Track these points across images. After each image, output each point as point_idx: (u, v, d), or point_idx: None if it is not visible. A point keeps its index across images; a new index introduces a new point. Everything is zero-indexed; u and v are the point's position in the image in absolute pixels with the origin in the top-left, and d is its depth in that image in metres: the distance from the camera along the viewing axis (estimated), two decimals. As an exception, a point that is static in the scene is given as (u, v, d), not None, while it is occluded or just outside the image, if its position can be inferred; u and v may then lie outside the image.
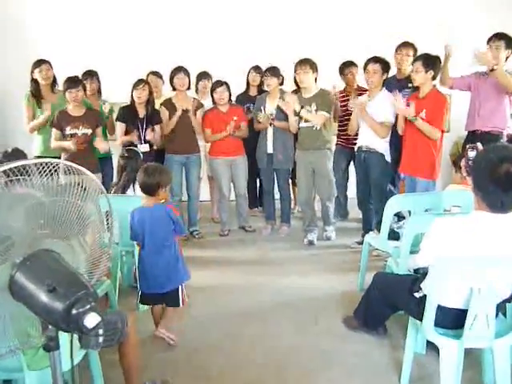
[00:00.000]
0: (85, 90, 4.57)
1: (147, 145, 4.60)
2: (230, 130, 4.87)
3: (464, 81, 4.43)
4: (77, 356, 2.08)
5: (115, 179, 3.98)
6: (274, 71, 4.87)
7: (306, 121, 4.64)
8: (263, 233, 5.29)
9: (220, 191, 5.25)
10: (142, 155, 4.08)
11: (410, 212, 3.60)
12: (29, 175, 1.38)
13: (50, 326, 1.23)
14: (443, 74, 4.32)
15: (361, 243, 4.31)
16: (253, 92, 5.39)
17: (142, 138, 4.61)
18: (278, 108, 4.82)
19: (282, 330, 3.21)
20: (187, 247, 4.72)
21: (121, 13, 6.15)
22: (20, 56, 5.42)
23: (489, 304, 2.17)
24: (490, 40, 4.24)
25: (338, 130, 5.23)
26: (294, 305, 3.58)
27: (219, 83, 4.93)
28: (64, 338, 1.30)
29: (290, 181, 5.28)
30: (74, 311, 1.13)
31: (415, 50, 4.58)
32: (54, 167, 1.42)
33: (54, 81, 4.75)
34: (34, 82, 4.66)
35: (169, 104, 4.88)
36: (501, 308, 2.34)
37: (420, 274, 2.61)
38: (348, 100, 4.71)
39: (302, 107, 4.56)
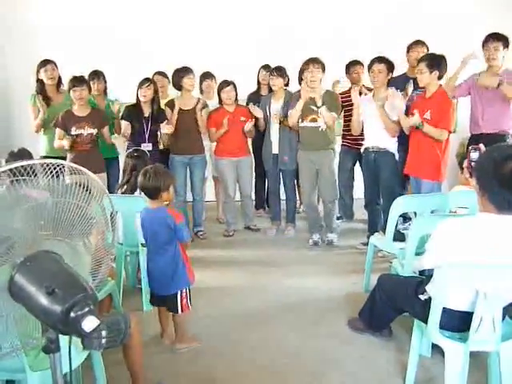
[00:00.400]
0: (90, 89, 4.57)
1: (150, 144, 4.60)
2: (246, 128, 4.87)
3: (462, 89, 4.42)
4: (78, 357, 2.08)
5: (121, 179, 3.97)
6: (279, 71, 4.86)
7: (312, 120, 4.62)
8: (268, 233, 5.28)
9: (225, 192, 5.24)
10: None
11: (415, 213, 3.59)
12: (35, 175, 1.38)
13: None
14: (449, 84, 4.31)
15: (366, 244, 4.29)
16: (264, 91, 5.37)
17: (147, 136, 4.62)
18: (285, 107, 4.80)
19: (285, 332, 3.19)
20: (192, 247, 4.71)
21: (126, 12, 6.15)
22: (26, 56, 5.44)
23: (495, 307, 2.15)
24: (486, 41, 4.21)
25: (344, 131, 5.21)
26: (298, 306, 3.56)
27: (226, 83, 4.93)
28: (66, 338, 1.29)
29: (296, 181, 5.26)
30: (72, 314, 1.12)
31: (428, 49, 4.55)
32: (59, 167, 1.42)
33: (60, 81, 4.77)
34: (40, 82, 4.67)
35: (173, 105, 4.87)
36: (508, 311, 2.31)
37: (425, 276, 2.59)
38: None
39: (323, 104, 4.52)
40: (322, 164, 4.71)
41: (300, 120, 4.66)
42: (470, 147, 2.88)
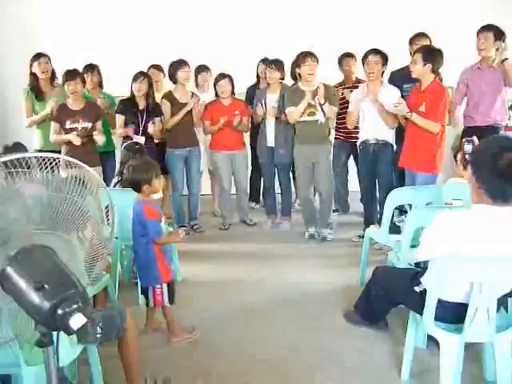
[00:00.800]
0: (84, 82, 4.54)
1: (143, 137, 4.58)
2: (222, 123, 4.86)
3: (461, 91, 4.44)
4: (74, 351, 2.07)
5: (118, 170, 3.96)
6: (277, 65, 4.84)
7: (311, 114, 4.60)
8: (264, 227, 5.28)
9: (220, 185, 5.24)
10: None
11: (410, 206, 3.60)
12: (29, 168, 1.37)
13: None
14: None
15: (362, 237, 4.30)
16: (263, 84, 5.32)
17: (141, 130, 4.60)
18: (281, 101, 4.79)
19: (282, 325, 3.20)
20: (187, 241, 4.72)
21: (121, 5, 6.13)
22: (20, 50, 5.40)
23: (490, 298, 2.16)
24: (478, 32, 4.21)
25: (337, 124, 5.20)
26: (294, 299, 3.57)
27: (222, 76, 4.92)
28: (60, 333, 1.28)
29: (291, 175, 5.26)
30: (59, 311, 1.11)
31: (431, 41, 4.51)
32: (54, 161, 1.41)
33: (54, 75, 4.73)
34: (33, 75, 4.64)
35: (171, 96, 4.86)
36: (502, 302, 2.33)
37: (421, 268, 2.60)
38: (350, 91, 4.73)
39: (325, 101, 4.51)
40: (319, 157, 4.70)
41: None
42: (463, 139, 2.89)
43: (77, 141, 4.23)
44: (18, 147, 3.20)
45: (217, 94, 5.00)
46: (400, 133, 4.36)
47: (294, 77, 4.79)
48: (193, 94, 4.96)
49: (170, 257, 2.97)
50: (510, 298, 2.40)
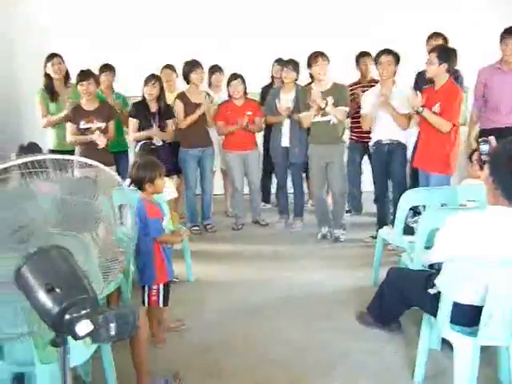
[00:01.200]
0: (98, 83, 4.57)
1: (160, 139, 4.60)
2: (242, 123, 4.86)
3: (479, 91, 4.38)
4: (88, 350, 2.09)
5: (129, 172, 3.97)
6: (294, 65, 4.85)
7: (323, 115, 4.60)
8: (276, 227, 5.27)
9: (233, 185, 5.24)
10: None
11: (424, 207, 3.57)
12: (44, 169, 1.38)
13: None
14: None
15: (375, 238, 4.28)
16: (277, 85, 5.34)
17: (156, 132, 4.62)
18: (296, 101, 4.79)
19: (294, 326, 3.19)
20: (200, 241, 4.75)
21: (134, 5, 6.15)
22: (33, 50, 5.45)
23: (505, 301, 2.13)
24: (504, 37, 4.15)
25: (351, 125, 5.18)
26: (307, 300, 3.56)
27: (234, 76, 4.93)
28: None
29: (304, 175, 5.24)
30: (67, 316, 1.11)
31: (447, 41, 4.47)
32: (69, 162, 1.42)
33: (67, 75, 4.76)
34: (47, 76, 4.68)
35: (184, 97, 4.87)
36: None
37: (435, 270, 2.57)
38: (362, 92, 4.70)
39: (326, 103, 4.50)
40: (333, 158, 4.69)
41: None
42: (479, 140, 2.86)
43: (100, 141, 4.25)
44: (33, 147, 3.22)
45: (229, 95, 5.00)
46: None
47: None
48: (207, 94, 4.97)
49: (170, 258, 2.93)
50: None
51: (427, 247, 2.85)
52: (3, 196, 1.25)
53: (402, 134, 4.40)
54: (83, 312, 1.12)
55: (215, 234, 5.13)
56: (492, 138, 2.73)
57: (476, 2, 6.14)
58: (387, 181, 4.58)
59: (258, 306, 3.48)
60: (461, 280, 2.18)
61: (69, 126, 4.40)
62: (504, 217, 2.09)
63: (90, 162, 1.48)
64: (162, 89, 4.66)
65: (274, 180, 5.65)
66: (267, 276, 4.02)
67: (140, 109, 4.66)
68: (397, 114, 4.29)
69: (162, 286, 2.82)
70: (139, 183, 2.83)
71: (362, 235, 4.83)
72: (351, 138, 5.25)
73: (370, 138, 4.64)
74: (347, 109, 4.65)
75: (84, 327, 1.12)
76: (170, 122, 4.72)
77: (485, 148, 2.74)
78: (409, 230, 3.62)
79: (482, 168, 2.53)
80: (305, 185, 5.38)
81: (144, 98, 4.64)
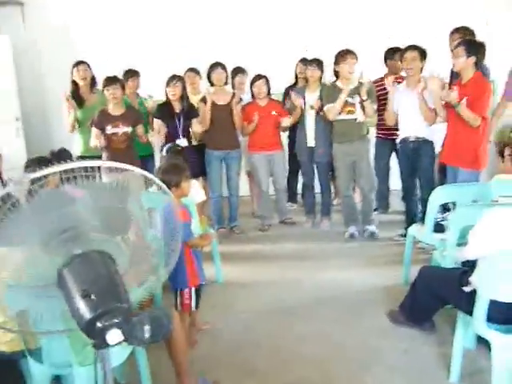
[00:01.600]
0: (123, 88, 4.62)
1: (185, 139, 4.63)
2: (256, 120, 4.86)
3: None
4: (123, 353, 2.11)
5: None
6: (318, 64, 4.83)
7: (350, 113, 4.57)
8: (304, 227, 5.25)
9: (259, 186, 5.24)
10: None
11: (454, 203, 3.50)
12: (75, 177, 1.39)
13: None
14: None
15: (404, 236, 4.23)
16: (301, 84, 5.31)
17: (180, 133, 4.64)
18: (320, 98, 4.77)
19: (325, 325, 3.18)
20: (228, 242, 4.76)
21: (158, 11, 6.21)
22: (63, 57, 5.54)
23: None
24: None
25: (378, 122, 5.11)
26: (337, 300, 3.54)
27: (258, 77, 4.93)
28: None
29: (330, 173, 5.21)
30: (98, 324, 1.12)
31: (474, 35, 4.33)
32: (96, 168, 1.43)
33: (94, 81, 4.84)
34: (73, 82, 4.76)
35: (206, 101, 4.89)
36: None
37: (468, 268, 2.52)
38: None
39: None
40: (359, 155, 4.68)
41: None
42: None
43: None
44: (63, 153, 3.30)
45: (253, 96, 5.00)
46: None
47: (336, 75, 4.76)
48: (234, 94, 4.98)
49: (201, 262, 2.94)
50: None
51: (459, 244, 2.80)
52: (46, 199, 1.26)
53: (428, 131, 4.34)
54: (115, 321, 1.12)
55: (242, 236, 5.13)
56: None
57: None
58: (415, 178, 4.53)
59: (289, 306, 3.47)
60: (498, 277, 2.13)
61: (94, 130, 4.46)
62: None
63: (117, 165, 1.48)
64: (184, 89, 4.69)
65: (300, 180, 5.63)
66: (296, 276, 4.00)
67: (164, 110, 4.69)
68: (426, 108, 4.22)
69: (194, 290, 2.83)
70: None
71: (391, 234, 4.77)
72: (378, 136, 5.19)
73: (397, 135, 4.58)
74: (375, 106, 4.62)
75: (115, 336, 1.12)
76: (194, 121, 4.74)
77: None
78: (438, 228, 3.57)
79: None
80: (331, 184, 5.33)
81: (168, 99, 4.68)
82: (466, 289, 2.31)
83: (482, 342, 2.43)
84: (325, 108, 4.67)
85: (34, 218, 1.23)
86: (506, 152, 2.88)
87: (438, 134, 4.38)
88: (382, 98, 4.79)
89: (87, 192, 1.43)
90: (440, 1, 5.95)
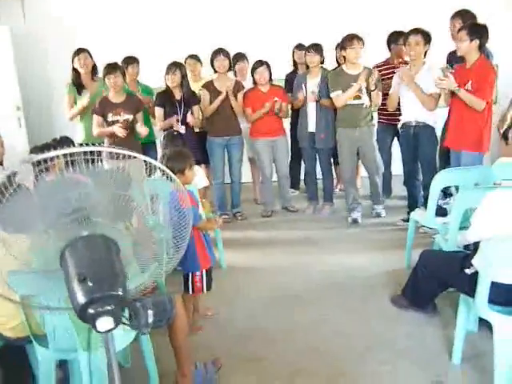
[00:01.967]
0: (124, 76, 4.61)
1: (183, 126, 4.61)
2: (274, 107, 4.83)
3: None
4: (127, 337, 2.13)
5: (159, 160, 4.00)
6: (316, 48, 4.79)
7: (356, 98, 4.56)
8: (306, 213, 5.26)
9: (262, 172, 5.24)
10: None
11: (456, 188, 3.49)
12: (79, 162, 1.39)
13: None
14: None
15: (406, 221, 4.23)
16: (301, 70, 5.27)
17: (180, 120, 4.63)
18: (322, 85, 4.76)
19: (330, 311, 3.19)
20: (231, 229, 4.76)
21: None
22: (63, 47, 5.51)
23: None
24: None
25: (380, 107, 5.08)
26: (341, 285, 3.55)
27: (259, 63, 4.89)
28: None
29: (332, 159, 5.20)
30: (90, 309, 1.10)
31: (476, 19, 4.28)
32: (97, 154, 1.43)
33: (94, 69, 4.82)
34: (75, 70, 4.75)
35: (211, 86, 4.88)
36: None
37: (470, 251, 2.53)
38: (393, 73, 4.60)
39: (376, 87, 4.50)
40: (364, 140, 4.68)
41: None
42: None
43: (120, 132, 4.30)
44: (65, 141, 3.32)
45: (254, 82, 4.98)
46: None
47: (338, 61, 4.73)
48: (236, 81, 4.96)
49: (210, 245, 2.97)
50: None
51: (461, 228, 2.80)
52: (52, 183, 1.26)
53: (429, 116, 4.30)
54: (107, 308, 1.11)
55: (245, 222, 5.14)
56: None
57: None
58: (416, 163, 4.52)
59: (293, 292, 3.49)
60: (499, 259, 2.14)
61: (95, 118, 4.46)
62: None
63: (119, 151, 1.48)
64: (184, 76, 4.67)
65: (303, 166, 5.63)
66: (299, 262, 4.02)
67: (164, 97, 4.67)
68: (421, 95, 4.20)
69: (204, 272, 2.87)
70: None
71: (393, 219, 4.78)
72: (381, 121, 5.17)
73: (399, 121, 4.57)
74: (380, 93, 4.62)
75: (105, 324, 1.11)
76: (195, 108, 4.73)
77: None
78: (441, 212, 3.56)
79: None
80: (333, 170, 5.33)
81: (168, 87, 4.66)
82: (468, 271, 2.32)
83: (484, 325, 2.44)
84: (333, 95, 4.65)
85: (41, 200, 1.23)
86: (510, 134, 2.87)
87: (439, 119, 4.37)
88: (383, 84, 4.77)
89: (90, 178, 1.43)
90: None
